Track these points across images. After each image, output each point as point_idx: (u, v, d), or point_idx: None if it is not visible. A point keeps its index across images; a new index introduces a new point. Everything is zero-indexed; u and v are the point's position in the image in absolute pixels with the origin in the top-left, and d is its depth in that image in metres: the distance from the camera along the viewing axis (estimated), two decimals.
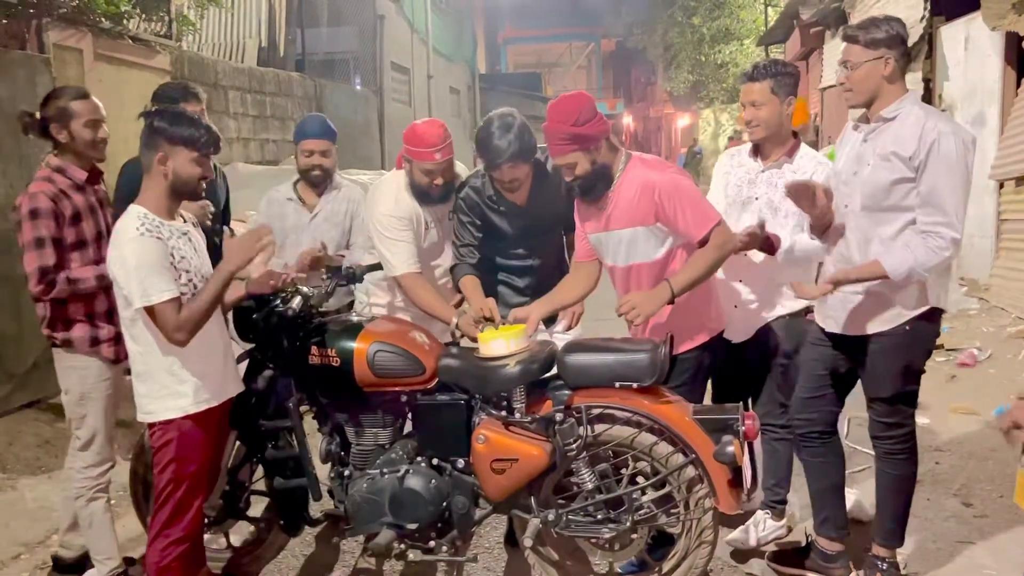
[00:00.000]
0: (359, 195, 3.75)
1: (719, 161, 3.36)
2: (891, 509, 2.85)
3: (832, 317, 2.80)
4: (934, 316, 2.70)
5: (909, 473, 2.84)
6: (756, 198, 3.09)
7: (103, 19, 6.33)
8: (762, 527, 3.22)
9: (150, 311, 2.40)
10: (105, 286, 2.85)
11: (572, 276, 3.07)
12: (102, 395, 2.95)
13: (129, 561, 3.23)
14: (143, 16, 7.34)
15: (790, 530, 3.29)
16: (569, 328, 3.28)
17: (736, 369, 3.19)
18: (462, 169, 3.45)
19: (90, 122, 2.92)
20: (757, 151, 3.14)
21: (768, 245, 2.95)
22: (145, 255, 2.38)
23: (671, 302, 2.70)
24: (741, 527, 3.23)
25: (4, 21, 5.39)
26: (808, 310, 3.16)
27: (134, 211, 2.47)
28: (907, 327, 2.66)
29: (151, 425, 2.55)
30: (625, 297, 2.74)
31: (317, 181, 3.60)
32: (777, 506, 3.26)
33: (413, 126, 3.16)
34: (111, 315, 2.92)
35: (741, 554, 3.20)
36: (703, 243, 2.73)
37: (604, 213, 2.85)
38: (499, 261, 3.29)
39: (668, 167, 2.87)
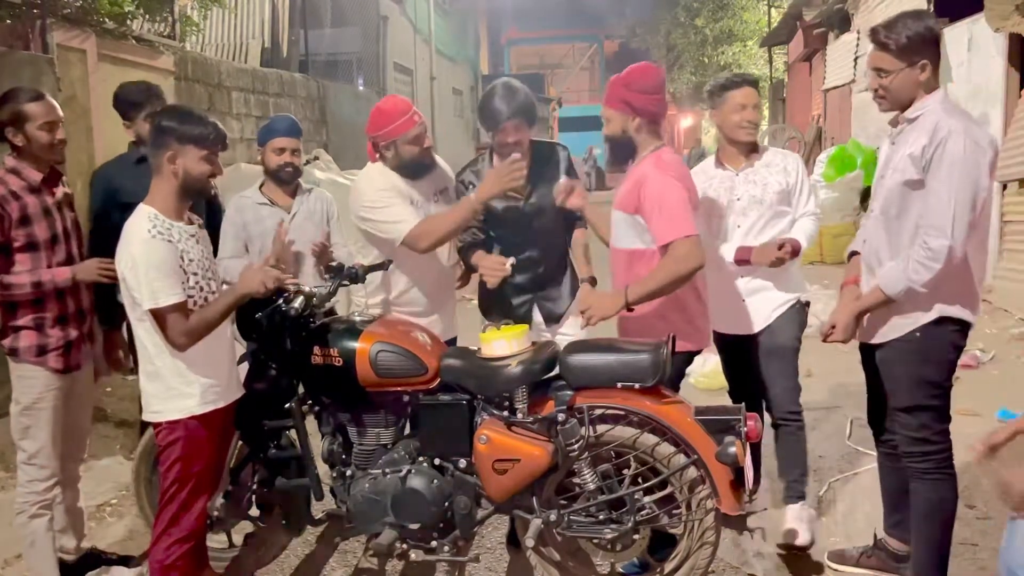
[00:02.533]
0: (329, 195, 3.79)
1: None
2: (926, 536, 2.68)
3: (861, 327, 2.79)
4: (949, 324, 2.55)
5: (944, 497, 2.64)
6: (738, 199, 3.22)
7: (107, 20, 6.34)
8: (806, 518, 3.21)
9: (156, 314, 2.41)
10: (50, 292, 2.81)
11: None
12: (49, 406, 2.84)
13: (126, 559, 3.24)
14: (147, 17, 7.34)
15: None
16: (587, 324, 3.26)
17: (749, 362, 3.27)
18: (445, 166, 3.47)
19: (46, 124, 2.83)
20: (720, 162, 3.31)
21: (794, 252, 3.10)
22: (155, 257, 2.39)
23: (629, 309, 2.73)
24: (790, 526, 3.19)
25: (8, 22, 5.40)
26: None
27: (144, 212, 2.48)
28: (917, 334, 2.57)
29: (156, 424, 2.55)
30: (586, 298, 2.83)
31: (288, 179, 3.57)
32: (801, 498, 3.25)
33: (376, 110, 3.18)
34: (64, 321, 2.86)
35: (741, 556, 3.20)
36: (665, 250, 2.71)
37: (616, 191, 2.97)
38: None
39: (672, 169, 2.81)
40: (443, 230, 3.07)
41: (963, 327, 2.58)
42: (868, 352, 2.78)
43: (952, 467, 2.66)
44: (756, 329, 3.23)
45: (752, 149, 3.27)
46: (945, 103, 2.53)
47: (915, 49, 2.48)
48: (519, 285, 3.25)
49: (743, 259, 3.17)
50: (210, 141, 2.50)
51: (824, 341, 2.71)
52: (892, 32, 2.49)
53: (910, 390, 2.62)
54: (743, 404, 2.65)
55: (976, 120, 2.55)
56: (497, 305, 3.26)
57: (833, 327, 2.68)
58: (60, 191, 2.96)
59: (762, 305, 3.22)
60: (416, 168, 3.21)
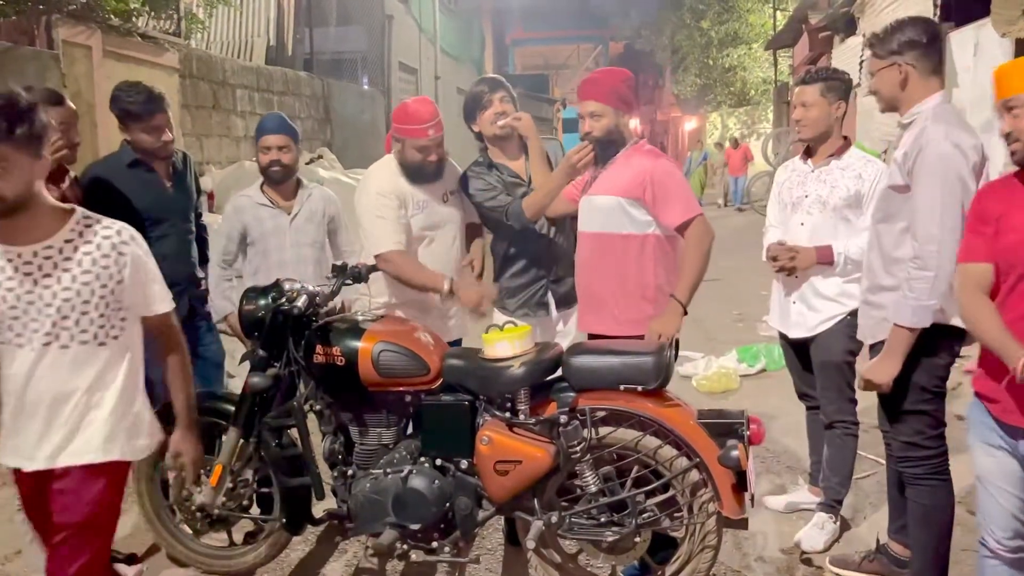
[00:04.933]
0: (333, 195, 3.77)
1: (776, 175, 3.47)
2: (922, 542, 2.68)
3: (859, 327, 2.81)
4: (940, 331, 2.50)
5: (939, 503, 2.63)
6: (806, 196, 3.19)
7: (112, 16, 6.35)
8: (827, 529, 3.22)
9: None
10: None
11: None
12: None
13: (131, 558, 3.24)
14: (152, 14, 7.36)
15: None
16: None
17: (805, 360, 3.29)
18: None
19: (66, 128, 2.81)
20: (807, 153, 3.26)
21: (824, 256, 3.08)
22: None
23: (685, 312, 2.85)
24: (808, 528, 3.23)
25: (14, 17, 5.41)
26: None
27: None
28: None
29: None
30: (652, 328, 2.86)
31: (277, 177, 3.53)
32: (836, 506, 3.27)
33: (404, 105, 3.21)
34: None
35: (743, 560, 3.19)
36: (680, 230, 2.89)
37: (592, 182, 3.04)
38: (510, 249, 3.32)
39: (664, 156, 3.07)
40: (405, 277, 3.13)
41: (956, 333, 2.53)
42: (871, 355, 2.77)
43: (946, 472, 2.65)
44: (798, 335, 3.22)
45: (836, 147, 3.16)
46: (939, 108, 2.53)
47: (896, 51, 2.55)
48: (532, 270, 3.30)
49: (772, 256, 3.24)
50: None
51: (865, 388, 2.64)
52: (878, 35, 2.60)
53: (901, 395, 2.61)
54: (745, 409, 2.64)
55: (964, 125, 2.52)
56: (511, 290, 3.31)
57: (869, 380, 2.57)
58: (64, 187, 2.94)
59: (808, 313, 3.18)
60: (414, 173, 3.22)
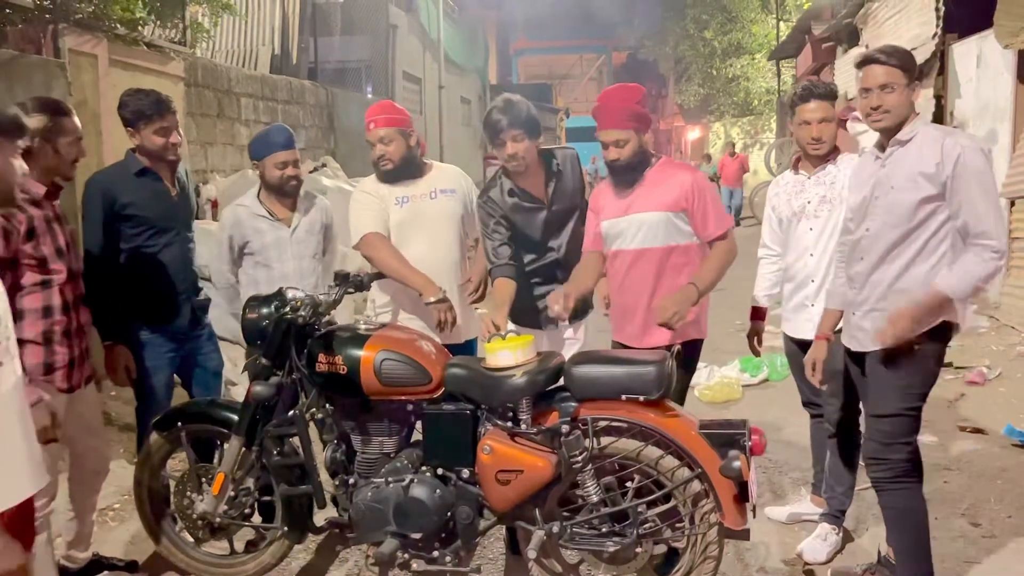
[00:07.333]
0: (328, 204, 3.79)
1: (768, 194, 3.49)
2: (904, 547, 2.71)
3: (854, 336, 2.78)
4: (943, 334, 2.61)
5: (912, 506, 2.68)
6: (808, 202, 3.23)
7: (118, 25, 6.38)
8: (830, 540, 3.22)
9: None
10: (58, 305, 2.70)
11: (584, 264, 3.21)
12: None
13: (132, 565, 3.24)
14: (158, 23, 7.39)
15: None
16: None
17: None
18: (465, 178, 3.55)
19: (76, 140, 2.81)
20: (797, 167, 3.32)
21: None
22: None
23: (695, 303, 2.89)
24: (811, 539, 3.23)
25: (20, 26, 5.44)
26: None
27: None
28: (915, 344, 2.58)
29: None
30: (659, 304, 2.88)
31: (293, 192, 3.53)
32: (840, 516, 3.26)
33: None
34: (69, 337, 2.75)
35: (745, 571, 3.18)
36: (713, 241, 3.01)
37: (626, 201, 3.07)
38: (528, 267, 3.33)
39: (694, 169, 3.17)
40: (386, 265, 3.25)
41: (950, 332, 2.63)
42: (858, 360, 2.79)
43: (914, 476, 2.69)
44: (804, 336, 3.22)
45: (829, 156, 3.21)
46: (933, 124, 2.67)
47: (912, 71, 2.64)
48: (543, 284, 3.32)
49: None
50: None
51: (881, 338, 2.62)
52: (896, 53, 2.64)
53: (895, 397, 2.63)
54: (747, 419, 2.64)
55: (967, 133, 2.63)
56: (521, 305, 3.30)
57: (890, 325, 2.56)
58: (57, 204, 2.87)
59: (815, 318, 3.17)
60: (384, 174, 3.35)
